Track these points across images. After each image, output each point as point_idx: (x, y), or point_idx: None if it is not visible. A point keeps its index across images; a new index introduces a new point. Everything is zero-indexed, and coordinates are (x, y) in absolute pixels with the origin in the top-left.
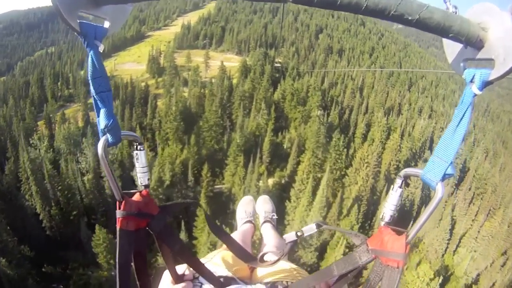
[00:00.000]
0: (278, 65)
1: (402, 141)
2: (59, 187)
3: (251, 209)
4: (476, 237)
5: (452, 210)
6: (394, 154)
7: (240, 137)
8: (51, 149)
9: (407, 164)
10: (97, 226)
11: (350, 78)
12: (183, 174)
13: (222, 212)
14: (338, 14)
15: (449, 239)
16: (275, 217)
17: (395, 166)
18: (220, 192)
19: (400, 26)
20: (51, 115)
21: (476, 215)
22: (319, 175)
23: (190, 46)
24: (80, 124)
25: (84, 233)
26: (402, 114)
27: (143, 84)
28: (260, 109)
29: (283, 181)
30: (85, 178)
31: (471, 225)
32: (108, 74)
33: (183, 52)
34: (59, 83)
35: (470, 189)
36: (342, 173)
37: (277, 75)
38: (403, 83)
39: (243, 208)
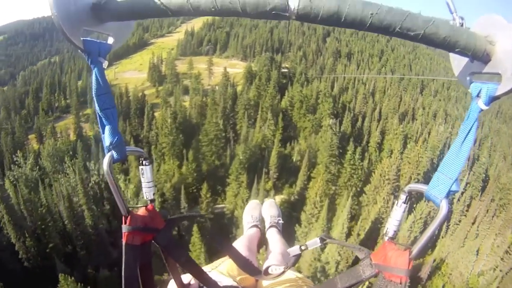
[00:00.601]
0: (285, 70)
1: (420, 150)
2: (35, 214)
3: (258, 214)
4: (502, 257)
5: (473, 223)
6: (415, 166)
7: (243, 153)
8: (38, 167)
9: (428, 177)
10: (61, 276)
11: (361, 82)
12: (174, 199)
13: (223, 236)
14: None
15: (474, 261)
16: (281, 221)
17: (416, 181)
18: (221, 213)
19: None
20: (42, 128)
21: (500, 229)
22: (331, 192)
23: (194, 52)
24: (72, 137)
25: (61, 269)
26: (416, 120)
27: (143, 93)
28: (267, 119)
29: (292, 199)
30: (64, 204)
31: (494, 239)
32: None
33: (186, 59)
34: (56, 93)
35: (493, 200)
36: (358, 189)
37: (284, 81)
38: (415, 86)
39: (250, 212)
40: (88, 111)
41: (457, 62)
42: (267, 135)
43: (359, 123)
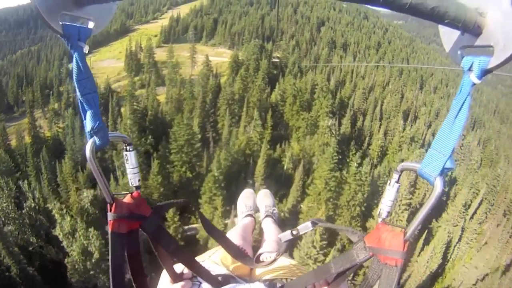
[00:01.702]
0: (276, 60)
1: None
2: None
3: (252, 203)
4: None
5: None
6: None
7: (218, 168)
8: None
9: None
10: None
11: (360, 76)
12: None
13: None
14: (340, 7)
15: None
16: (276, 211)
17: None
18: (193, 236)
19: (401, 21)
20: None
21: None
22: (331, 213)
23: (178, 40)
24: (28, 140)
25: None
26: (419, 118)
27: (118, 84)
28: (253, 117)
29: (282, 216)
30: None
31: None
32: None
33: (169, 46)
34: (23, 86)
35: (505, 215)
36: (363, 208)
37: (275, 71)
38: (414, 81)
39: (244, 201)
40: (53, 105)
41: (447, 37)
42: (253, 138)
43: (359, 123)
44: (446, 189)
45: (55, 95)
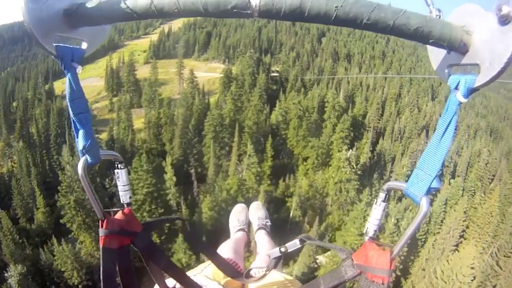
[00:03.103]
0: (275, 74)
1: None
2: None
3: (244, 217)
4: None
5: None
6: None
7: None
8: None
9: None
10: None
11: (370, 89)
12: None
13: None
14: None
15: None
16: (269, 223)
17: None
18: None
19: None
20: None
21: None
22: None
23: (168, 55)
24: None
25: None
26: None
27: (95, 105)
28: (246, 153)
29: None
30: None
31: None
32: (56, 94)
33: (158, 62)
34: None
35: None
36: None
37: (274, 87)
38: (425, 91)
39: (236, 216)
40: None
41: (435, 55)
42: (247, 181)
43: (378, 146)
44: None
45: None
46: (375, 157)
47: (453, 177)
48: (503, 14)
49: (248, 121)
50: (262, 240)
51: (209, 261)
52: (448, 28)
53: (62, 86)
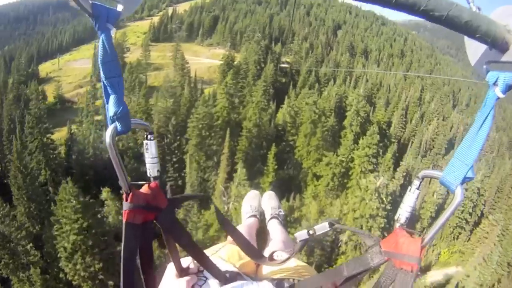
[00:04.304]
0: (286, 65)
1: None
2: None
3: (257, 204)
4: None
5: None
6: None
7: None
8: None
9: None
10: None
11: (390, 90)
12: None
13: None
14: (356, 11)
15: None
16: (282, 213)
17: None
18: None
19: (414, 31)
20: None
21: None
22: None
23: (169, 38)
24: None
25: None
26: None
27: (76, 91)
28: (240, 165)
29: None
30: None
31: None
32: (45, 76)
33: (157, 46)
34: None
35: None
36: None
37: (283, 80)
38: (447, 97)
39: (249, 202)
40: None
41: (473, 51)
42: (232, 216)
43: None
44: None
45: None
46: (404, 181)
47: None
48: None
49: (248, 122)
50: (275, 229)
51: (223, 243)
52: (493, 25)
53: (48, 67)
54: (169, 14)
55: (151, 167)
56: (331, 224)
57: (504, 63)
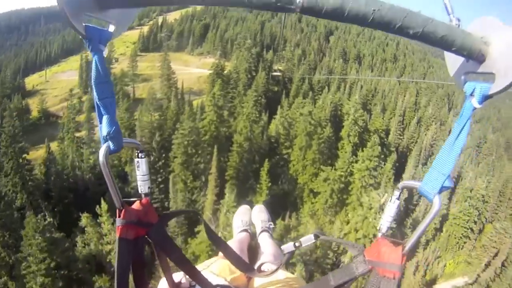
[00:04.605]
0: (278, 74)
1: None
2: None
3: (248, 219)
4: None
5: None
6: None
7: None
8: None
9: None
10: None
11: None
12: None
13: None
14: None
15: None
16: (272, 226)
17: None
18: None
19: None
20: None
21: None
22: None
23: (159, 48)
24: None
25: None
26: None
27: (61, 105)
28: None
29: None
30: None
31: None
32: (32, 88)
33: (147, 56)
34: None
35: None
36: None
37: (276, 88)
38: (442, 100)
39: (240, 217)
40: None
41: (452, 62)
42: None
43: (405, 175)
44: None
45: None
46: (407, 194)
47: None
48: None
49: (238, 136)
50: (265, 242)
51: (214, 258)
52: (469, 38)
53: (36, 80)
54: (159, 23)
55: (142, 184)
56: (316, 236)
57: (480, 74)
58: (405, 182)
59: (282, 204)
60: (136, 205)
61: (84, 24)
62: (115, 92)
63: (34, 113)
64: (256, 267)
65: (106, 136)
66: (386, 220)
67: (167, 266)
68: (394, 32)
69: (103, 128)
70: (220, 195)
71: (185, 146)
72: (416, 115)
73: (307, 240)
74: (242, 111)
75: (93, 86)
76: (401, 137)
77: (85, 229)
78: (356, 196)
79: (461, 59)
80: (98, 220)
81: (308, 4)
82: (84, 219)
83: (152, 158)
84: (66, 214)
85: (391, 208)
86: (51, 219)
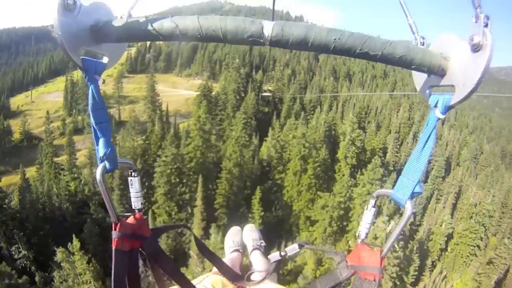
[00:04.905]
0: (268, 94)
1: None
2: None
3: (239, 239)
4: None
5: None
6: None
7: None
8: None
9: None
10: None
11: (381, 111)
12: None
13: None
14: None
15: None
16: (263, 244)
17: None
18: None
19: None
20: None
21: None
22: None
23: (146, 69)
24: None
25: None
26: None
27: (42, 128)
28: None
29: None
30: None
31: None
32: (16, 109)
33: (134, 77)
34: None
35: None
36: None
37: (266, 109)
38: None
39: (231, 238)
40: None
41: (418, 78)
42: None
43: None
44: None
45: None
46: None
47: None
48: (474, 43)
49: (227, 162)
50: (257, 259)
51: (207, 274)
52: (428, 55)
53: (21, 100)
54: (147, 44)
55: (136, 201)
56: (300, 246)
57: (442, 87)
58: (379, 190)
59: (277, 232)
60: (130, 220)
61: (81, 57)
62: None
63: (16, 135)
64: (245, 276)
65: (102, 156)
66: (364, 227)
67: (160, 278)
68: (356, 56)
69: (99, 150)
70: (207, 229)
71: (168, 174)
72: (411, 130)
73: (292, 249)
74: (231, 134)
75: (90, 112)
76: (398, 154)
77: (62, 264)
78: (358, 223)
79: (425, 75)
80: (70, 259)
81: (275, 38)
82: (60, 255)
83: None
84: (42, 247)
85: (368, 215)
86: (26, 252)
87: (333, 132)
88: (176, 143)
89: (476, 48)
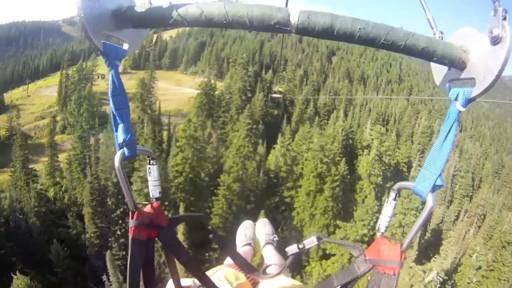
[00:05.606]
0: (278, 96)
1: None
2: None
3: (251, 233)
4: None
5: None
6: None
7: None
8: None
9: None
10: None
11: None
12: None
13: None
14: None
15: None
16: (276, 238)
17: None
18: None
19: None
20: None
21: None
22: None
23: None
24: None
25: None
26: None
27: (35, 124)
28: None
29: None
30: None
31: None
32: (10, 103)
33: (137, 73)
34: None
35: None
36: None
37: (275, 112)
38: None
39: (243, 232)
40: None
41: (438, 72)
42: None
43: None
44: None
45: None
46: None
47: None
48: (494, 36)
49: (226, 176)
50: (270, 254)
51: (220, 266)
52: (449, 48)
53: (18, 94)
54: (153, 40)
55: (154, 189)
56: (318, 238)
57: (462, 80)
58: (400, 183)
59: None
60: (147, 208)
61: (102, 42)
62: (81, 113)
63: (2, 132)
64: (261, 270)
65: (121, 143)
66: (384, 220)
67: (175, 268)
68: (379, 47)
69: (118, 136)
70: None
71: (147, 194)
72: (431, 141)
73: (310, 242)
74: (232, 142)
75: (110, 98)
76: (420, 168)
77: None
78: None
79: (445, 69)
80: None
81: (301, 25)
82: (16, 283)
83: (109, 203)
84: (2, 268)
85: (388, 208)
86: None
87: (350, 141)
88: (159, 152)
89: (495, 40)
